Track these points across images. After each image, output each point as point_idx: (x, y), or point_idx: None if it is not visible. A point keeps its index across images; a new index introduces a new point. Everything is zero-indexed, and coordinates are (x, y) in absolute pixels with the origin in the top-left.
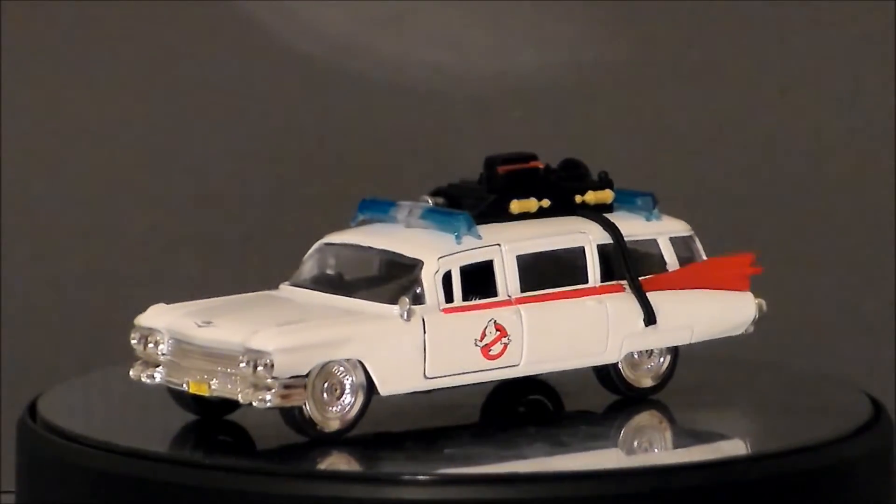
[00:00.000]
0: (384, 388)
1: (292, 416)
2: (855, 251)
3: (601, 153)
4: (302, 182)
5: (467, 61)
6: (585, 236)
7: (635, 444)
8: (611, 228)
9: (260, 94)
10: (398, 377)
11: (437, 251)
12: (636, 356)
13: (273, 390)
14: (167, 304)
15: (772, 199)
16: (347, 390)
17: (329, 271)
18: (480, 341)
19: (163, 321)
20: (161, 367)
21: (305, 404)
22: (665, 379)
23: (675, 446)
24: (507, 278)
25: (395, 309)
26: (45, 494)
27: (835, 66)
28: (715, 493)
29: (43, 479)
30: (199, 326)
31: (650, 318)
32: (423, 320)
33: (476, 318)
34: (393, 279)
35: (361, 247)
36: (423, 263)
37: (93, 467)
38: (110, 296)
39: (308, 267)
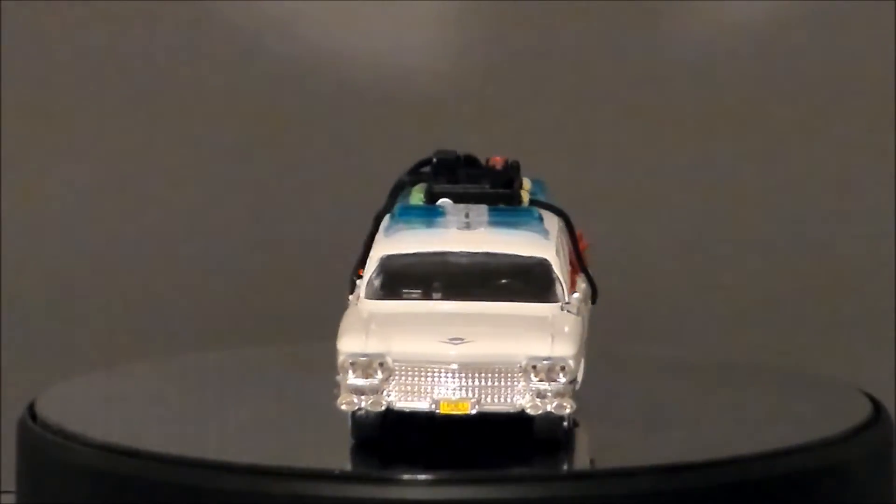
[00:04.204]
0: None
1: (558, 421)
2: (854, 250)
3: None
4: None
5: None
6: (556, 222)
7: (635, 444)
8: (560, 214)
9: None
10: (581, 375)
11: (549, 247)
12: None
13: (569, 396)
14: (353, 330)
15: (769, 199)
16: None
17: (423, 279)
18: None
19: (387, 346)
20: (388, 393)
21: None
22: None
23: (674, 446)
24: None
25: (556, 307)
26: (45, 494)
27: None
28: (715, 493)
29: (43, 479)
30: (455, 344)
31: (595, 298)
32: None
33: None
34: (518, 280)
35: (454, 252)
36: (548, 261)
37: (93, 467)
38: (111, 295)
39: (392, 278)
